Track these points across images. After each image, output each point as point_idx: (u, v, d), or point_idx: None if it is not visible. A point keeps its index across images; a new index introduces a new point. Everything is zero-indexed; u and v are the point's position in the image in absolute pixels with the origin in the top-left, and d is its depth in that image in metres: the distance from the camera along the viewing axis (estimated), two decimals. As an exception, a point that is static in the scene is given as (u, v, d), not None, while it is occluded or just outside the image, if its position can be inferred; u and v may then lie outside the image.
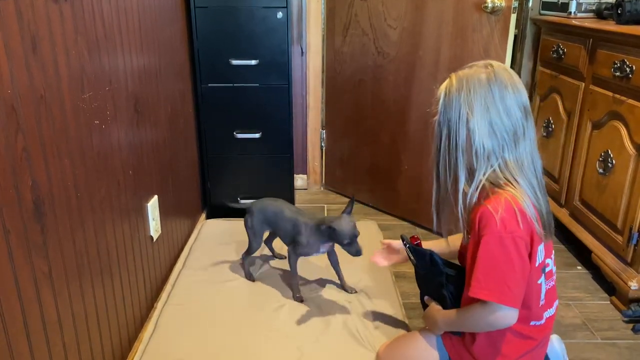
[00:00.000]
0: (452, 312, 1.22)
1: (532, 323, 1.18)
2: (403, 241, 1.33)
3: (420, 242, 1.34)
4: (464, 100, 1.10)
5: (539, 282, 1.16)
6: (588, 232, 2.07)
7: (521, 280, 1.07)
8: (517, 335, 1.17)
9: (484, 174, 1.11)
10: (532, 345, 1.19)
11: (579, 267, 2.12)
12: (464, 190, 1.14)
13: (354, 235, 1.59)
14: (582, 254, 2.16)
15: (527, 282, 1.09)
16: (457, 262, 1.33)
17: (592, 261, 2.00)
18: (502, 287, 1.06)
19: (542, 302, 1.18)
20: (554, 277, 1.23)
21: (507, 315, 1.08)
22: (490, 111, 1.09)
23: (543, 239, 1.13)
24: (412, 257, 1.31)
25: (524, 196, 1.09)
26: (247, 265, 1.91)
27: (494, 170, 1.11)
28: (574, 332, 1.72)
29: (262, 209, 1.81)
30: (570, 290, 1.96)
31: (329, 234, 1.61)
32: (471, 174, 1.14)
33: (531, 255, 1.10)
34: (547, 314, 1.21)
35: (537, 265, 1.14)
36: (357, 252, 1.60)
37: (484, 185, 1.11)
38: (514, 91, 1.10)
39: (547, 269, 1.19)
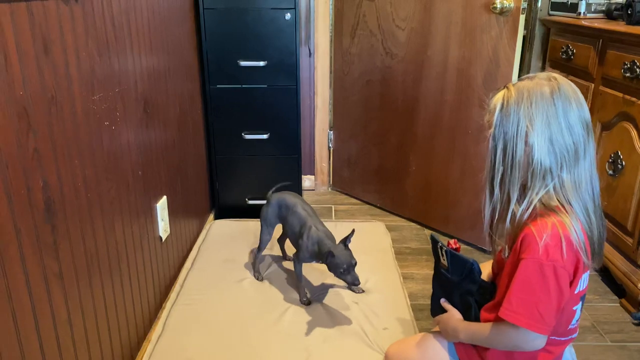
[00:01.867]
0: (477, 326, 1.18)
1: (552, 337, 1.16)
2: (436, 243, 1.27)
3: (459, 248, 1.30)
4: (524, 114, 1.03)
5: (574, 308, 1.13)
6: (597, 234, 2.05)
7: (555, 310, 1.03)
8: (543, 351, 1.14)
9: (537, 194, 1.05)
10: (548, 359, 1.17)
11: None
12: (513, 210, 1.08)
13: (351, 264, 1.55)
14: (592, 255, 2.14)
15: (561, 311, 1.05)
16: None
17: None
18: (533, 314, 1.02)
19: (571, 326, 1.16)
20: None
21: (535, 341, 1.05)
22: (551, 127, 1.02)
23: (589, 267, 1.08)
24: (445, 262, 1.27)
25: (575, 222, 1.03)
26: (257, 263, 1.92)
27: (548, 190, 1.05)
28: (584, 334, 1.71)
29: (279, 200, 1.84)
30: (580, 292, 1.95)
31: (327, 259, 1.58)
32: (523, 192, 1.07)
33: (572, 283, 1.05)
34: (573, 335, 1.19)
35: (576, 292, 1.10)
36: (353, 281, 1.56)
37: (534, 205, 1.05)
38: (578, 107, 1.04)
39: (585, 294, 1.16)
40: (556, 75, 1.07)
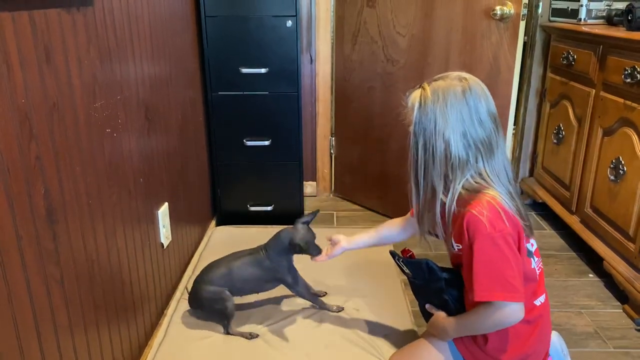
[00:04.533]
0: (459, 318, 1.23)
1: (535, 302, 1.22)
2: (394, 257, 1.34)
3: (413, 254, 1.35)
4: (440, 112, 1.14)
5: (532, 267, 1.22)
6: (599, 240, 2.05)
7: (519, 275, 1.11)
8: (523, 322, 1.19)
9: (459, 184, 1.15)
10: (532, 331, 1.23)
11: (590, 275, 2.10)
12: (441, 200, 1.18)
13: (306, 241, 1.57)
14: (594, 261, 2.14)
15: (522, 273, 1.13)
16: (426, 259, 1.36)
17: (604, 269, 1.98)
18: (505, 285, 1.09)
19: (536, 281, 1.24)
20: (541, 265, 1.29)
21: (514, 311, 1.11)
22: (465, 123, 1.13)
23: (526, 231, 1.17)
24: (406, 270, 1.32)
25: (503, 195, 1.14)
26: (236, 330, 1.63)
27: (468, 179, 1.15)
28: (586, 340, 1.71)
29: (208, 280, 1.61)
30: (582, 299, 1.94)
31: (290, 244, 1.56)
32: (447, 183, 1.17)
33: (520, 248, 1.15)
34: (541, 296, 1.26)
35: (527, 253, 1.20)
36: (315, 251, 1.58)
37: (460, 193, 1.15)
38: (487, 103, 1.15)
39: (533, 249, 1.24)
40: (466, 75, 1.18)
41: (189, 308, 1.72)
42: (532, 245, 1.23)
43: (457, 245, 1.19)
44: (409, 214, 1.50)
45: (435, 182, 1.17)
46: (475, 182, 1.15)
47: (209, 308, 1.64)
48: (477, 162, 1.15)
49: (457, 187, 1.15)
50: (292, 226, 1.61)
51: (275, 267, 1.61)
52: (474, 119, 1.13)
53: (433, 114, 1.14)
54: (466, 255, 1.14)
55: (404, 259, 1.31)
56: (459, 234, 1.15)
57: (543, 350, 1.27)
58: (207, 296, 1.61)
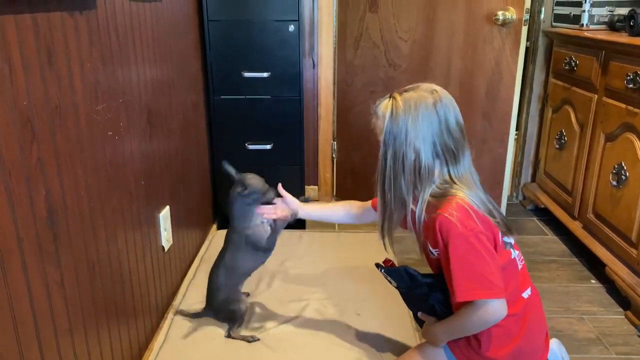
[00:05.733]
0: (446, 322, 1.23)
1: (511, 296, 1.21)
2: (378, 268, 1.35)
3: (393, 263, 1.36)
4: (411, 123, 1.15)
5: (512, 257, 1.22)
6: (602, 245, 2.04)
7: (496, 271, 1.11)
8: (511, 317, 1.19)
9: (428, 192, 1.17)
10: (521, 325, 1.22)
11: (592, 281, 2.09)
12: (411, 209, 1.19)
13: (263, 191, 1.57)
14: (596, 267, 2.13)
15: (500, 270, 1.13)
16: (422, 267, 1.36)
17: (606, 275, 1.98)
18: (484, 283, 1.10)
19: (519, 269, 1.25)
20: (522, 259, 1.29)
21: (496, 308, 1.11)
22: (435, 133, 1.16)
23: (500, 227, 1.18)
24: (391, 280, 1.33)
25: (472, 197, 1.15)
26: (237, 334, 1.62)
27: (436, 187, 1.18)
28: (588, 346, 1.70)
29: (217, 287, 1.64)
30: (584, 304, 1.93)
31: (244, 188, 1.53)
32: (415, 194, 1.19)
33: (497, 246, 1.16)
34: (528, 288, 1.26)
35: (505, 246, 1.20)
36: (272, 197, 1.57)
37: (429, 201, 1.17)
38: (455, 114, 1.19)
39: (512, 242, 1.24)
40: (436, 87, 1.21)
41: (190, 311, 1.72)
42: (510, 239, 1.24)
43: (436, 250, 1.19)
44: (369, 202, 1.55)
45: (404, 193, 1.19)
46: (442, 188, 1.17)
47: (222, 309, 1.65)
48: (443, 170, 1.18)
49: (426, 197, 1.17)
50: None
51: (242, 234, 1.58)
52: (443, 129, 1.16)
53: (404, 124, 1.16)
54: (444, 258, 1.15)
55: (385, 268, 1.32)
56: (434, 239, 1.16)
57: (538, 344, 1.26)
58: (221, 298, 1.64)
